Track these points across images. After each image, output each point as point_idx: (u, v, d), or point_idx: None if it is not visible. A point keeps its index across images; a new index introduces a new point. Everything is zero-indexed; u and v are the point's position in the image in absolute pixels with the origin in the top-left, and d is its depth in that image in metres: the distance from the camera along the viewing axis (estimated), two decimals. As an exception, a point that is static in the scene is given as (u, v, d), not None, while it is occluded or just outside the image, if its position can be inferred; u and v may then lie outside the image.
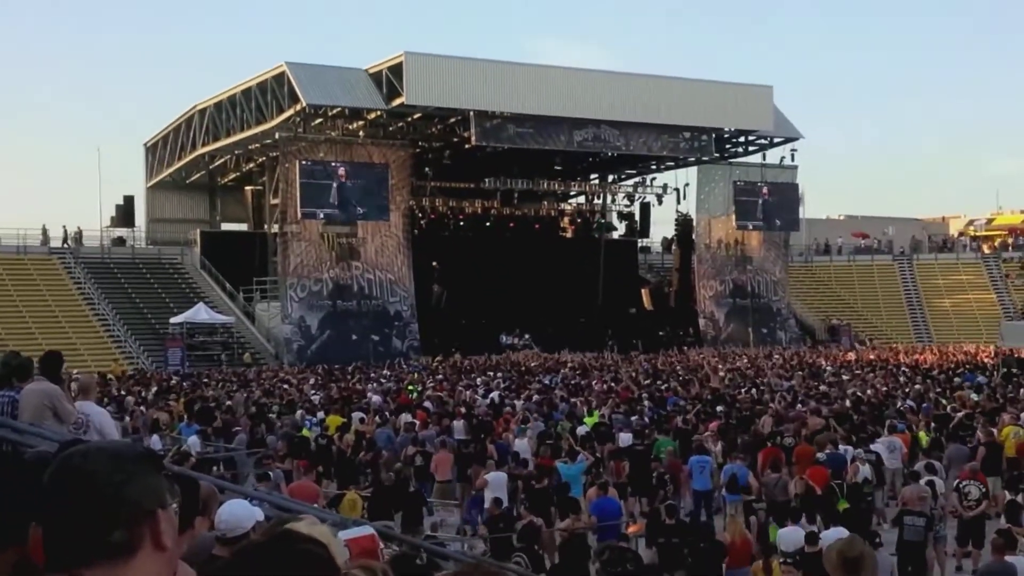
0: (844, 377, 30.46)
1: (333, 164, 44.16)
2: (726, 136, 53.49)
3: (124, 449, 1.80)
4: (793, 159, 54.60)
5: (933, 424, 19.55)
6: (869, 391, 25.59)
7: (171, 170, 56.02)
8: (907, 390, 25.49)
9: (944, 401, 23.00)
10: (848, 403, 22.44)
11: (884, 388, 26.61)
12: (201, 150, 51.83)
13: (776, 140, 54.26)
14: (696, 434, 18.16)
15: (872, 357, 40.76)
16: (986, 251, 64.95)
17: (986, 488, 13.94)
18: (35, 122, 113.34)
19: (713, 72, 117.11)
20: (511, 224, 53.92)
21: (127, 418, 20.05)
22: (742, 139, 54.81)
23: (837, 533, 9.40)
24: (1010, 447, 17.09)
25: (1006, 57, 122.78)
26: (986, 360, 37.42)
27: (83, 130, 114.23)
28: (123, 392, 26.25)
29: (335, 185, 44.00)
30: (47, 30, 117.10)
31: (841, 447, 16.14)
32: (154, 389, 28.01)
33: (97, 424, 8.76)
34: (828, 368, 34.57)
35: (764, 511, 13.95)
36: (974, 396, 23.46)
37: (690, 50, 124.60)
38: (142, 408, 22.60)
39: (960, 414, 20.05)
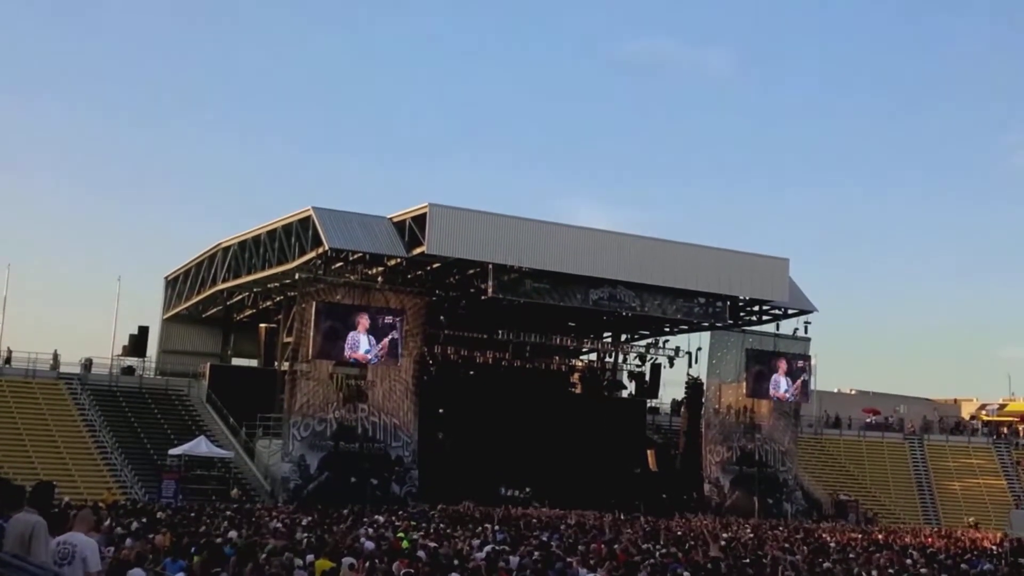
0: (850, 555, 29.61)
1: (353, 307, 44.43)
2: (741, 304, 53.78)
3: None
4: (807, 331, 54.89)
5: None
6: (875, 572, 24.81)
7: (188, 304, 56.64)
8: (913, 572, 24.70)
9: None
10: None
11: (891, 570, 25.80)
12: (220, 286, 52.52)
13: (790, 311, 54.57)
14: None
15: (880, 538, 39.76)
16: (997, 436, 64.33)
17: None
18: (61, 250, 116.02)
19: (731, 241, 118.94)
20: (521, 376, 53.86)
21: (112, 550, 19.58)
22: (756, 308, 55.10)
23: None
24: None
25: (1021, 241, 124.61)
26: (992, 547, 36.43)
27: (107, 261, 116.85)
28: (113, 522, 25.74)
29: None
30: (88, 167, 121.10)
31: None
32: (144, 520, 27.46)
33: (82, 555, 8.71)
34: (833, 544, 33.67)
35: None
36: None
37: (710, 217, 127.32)
38: (128, 540, 22.09)
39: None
